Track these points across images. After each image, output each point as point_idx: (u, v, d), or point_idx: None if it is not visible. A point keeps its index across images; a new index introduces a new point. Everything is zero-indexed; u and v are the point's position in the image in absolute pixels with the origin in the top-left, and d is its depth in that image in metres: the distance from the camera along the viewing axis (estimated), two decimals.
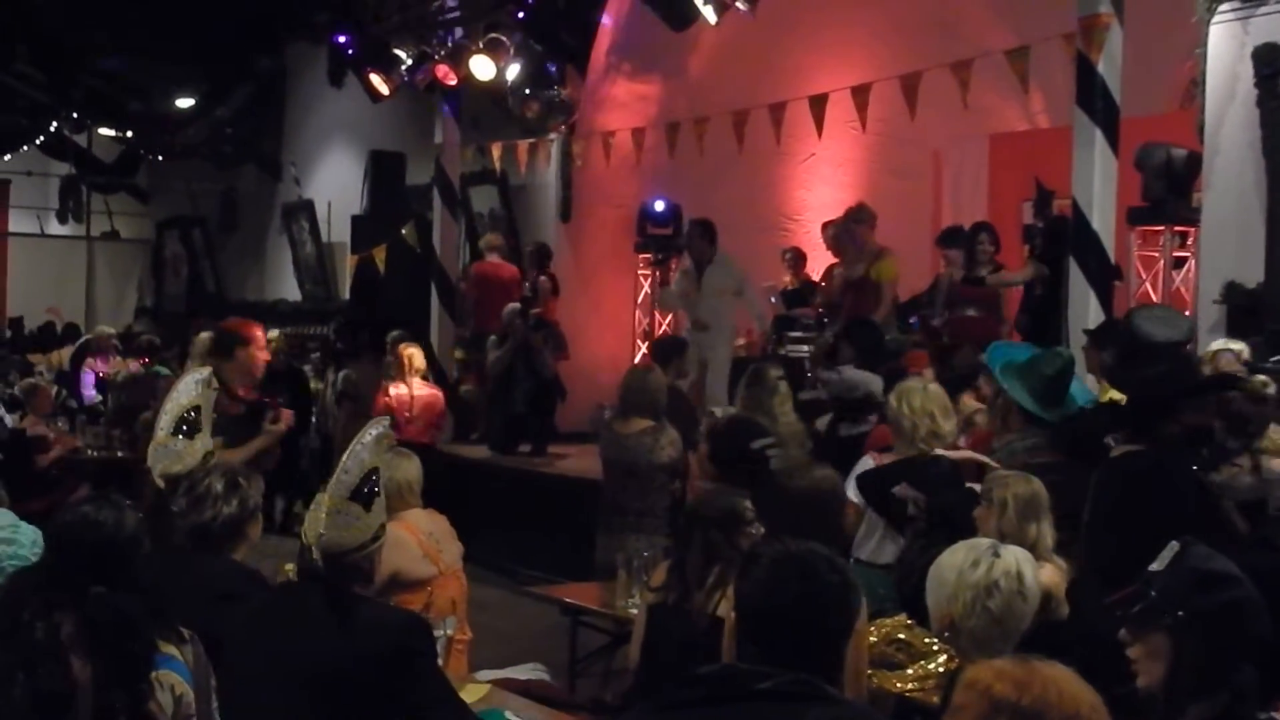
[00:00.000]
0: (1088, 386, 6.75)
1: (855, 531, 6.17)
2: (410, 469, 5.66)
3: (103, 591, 3.36)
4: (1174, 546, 3.14)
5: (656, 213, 13.95)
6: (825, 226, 12.00)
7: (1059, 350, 6.33)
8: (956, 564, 3.67)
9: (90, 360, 14.59)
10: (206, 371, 5.32)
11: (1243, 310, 8.38)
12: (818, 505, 4.96)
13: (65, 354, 17.16)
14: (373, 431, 3.77)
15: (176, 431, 4.94)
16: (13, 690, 3.24)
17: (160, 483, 4.84)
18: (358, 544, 3.66)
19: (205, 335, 14.50)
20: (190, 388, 5.10)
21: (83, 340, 16.25)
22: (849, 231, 10.53)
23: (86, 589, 3.36)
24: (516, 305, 13.18)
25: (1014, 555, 3.68)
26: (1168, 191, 9.14)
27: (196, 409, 5.03)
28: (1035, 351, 6.38)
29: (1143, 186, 9.21)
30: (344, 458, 3.71)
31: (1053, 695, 2.52)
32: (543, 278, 13.66)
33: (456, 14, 13.71)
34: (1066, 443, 5.92)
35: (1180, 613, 2.99)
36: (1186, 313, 8.57)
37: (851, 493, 6.16)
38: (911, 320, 10.49)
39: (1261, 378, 5.95)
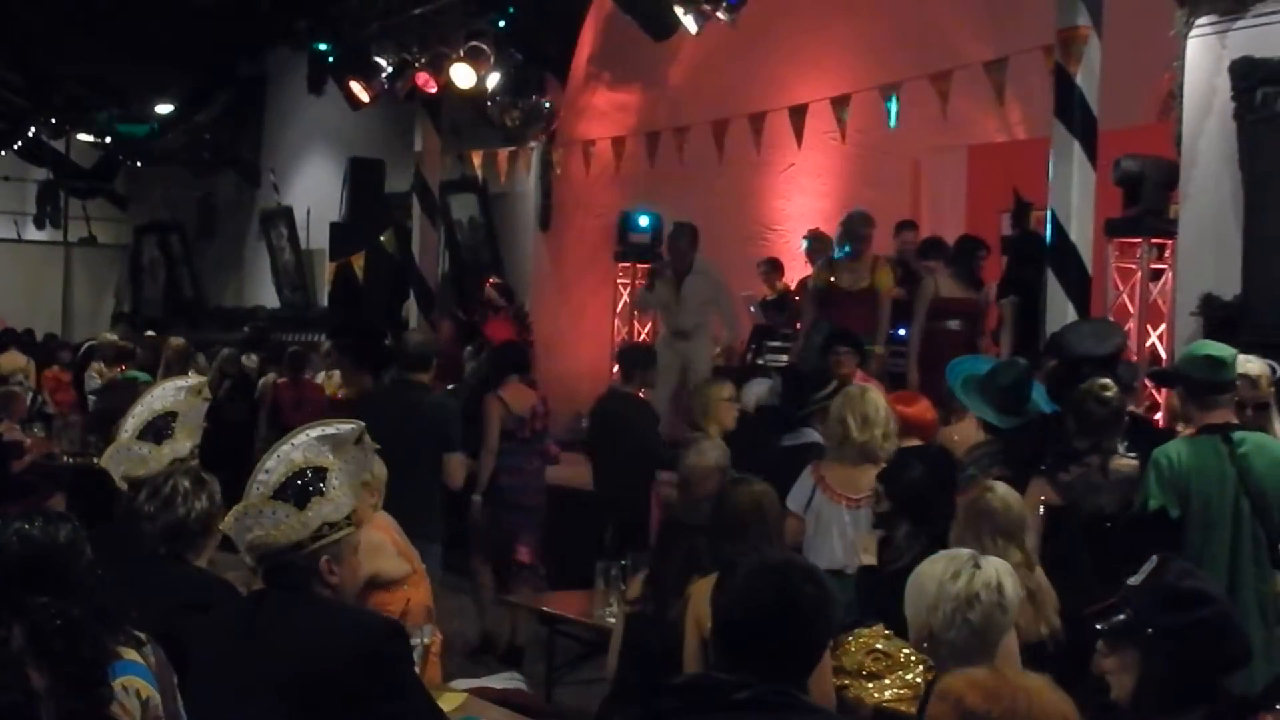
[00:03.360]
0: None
1: (797, 540, 6.23)
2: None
3: (46, 601, 3.32)
4: (1153, 561, 3.16)
5: (638, 223, 13.91)
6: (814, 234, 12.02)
7: (1014, 360, 6.45)
8: (936, 575, 3.67)
9: (96, 365, 14.61)
10: (197, 380, 5.23)
11: (1220, 322, 8.40)
12: (757, 513, 5.00)
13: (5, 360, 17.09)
14: (312, 432, 3.67)
15: (143, 435, 4.82)
16: None
17: (123, 484, 4.72)
18: (291, 542, 3.53)
19: (178, 341, 14.59)
20: (169, 394, 4.98)
21: (87, 346, 16.26)
22: (862, 240, 10.30)
23: (26, 601, 3.34)
24: None
25: (994, 567, 3.68)
26: (1155, 202, 9.14)
27: (172, 415, 4.90)
28: (994, 364, 6.54)
29: (1124, 196, 9.20)
30: (264, 458, 3.60)
31: (1023, 706, 2.53)
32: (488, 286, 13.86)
33: (437, 22, 13.69)
34: (1017, 454, 6.05)
35: (1150, 630, 3.01)
36: (1126, 326, 8.68)
37: (791, 503, 6.31)
38: (893, 331, 10.47)
39: (1104, 381, 5.97)
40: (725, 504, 5.12)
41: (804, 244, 12.09)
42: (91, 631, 3.34)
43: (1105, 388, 5.90)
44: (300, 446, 3.62)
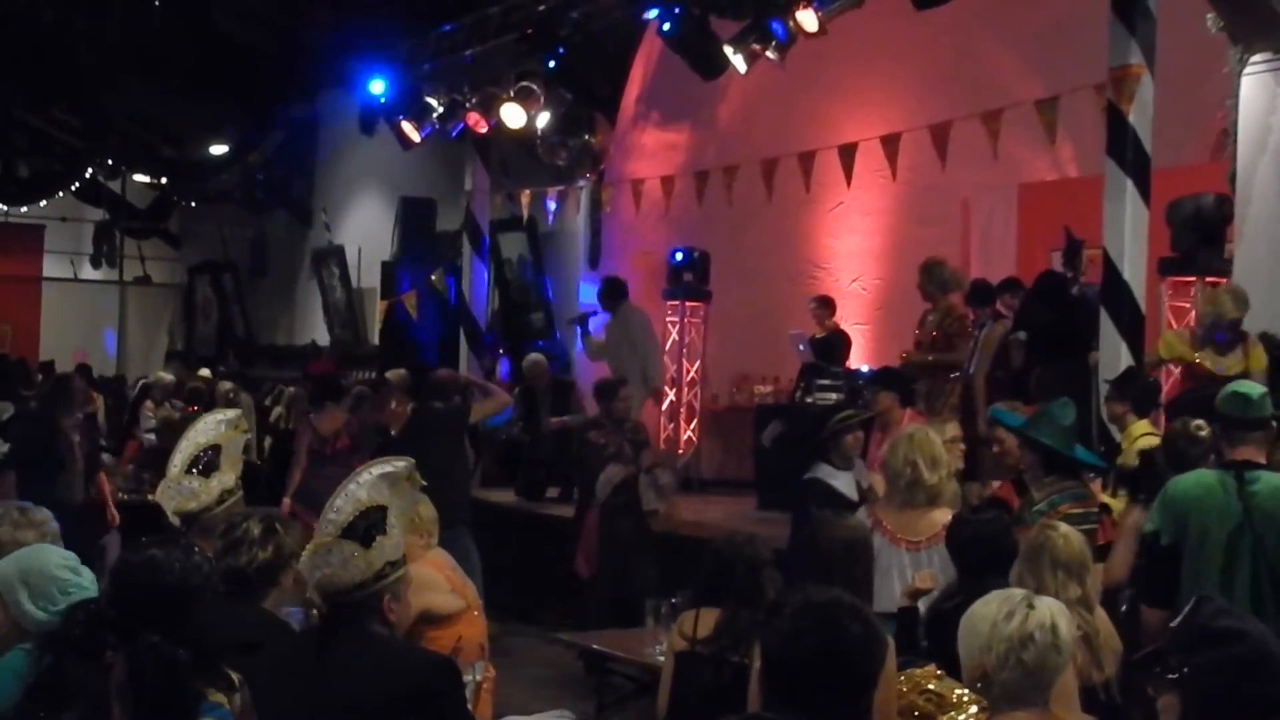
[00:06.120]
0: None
1: None
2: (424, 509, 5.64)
3: (156, 640, 3.28)
4: (1191, 602, 3.15)
5: (682, 261, 13.93)
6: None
7: (1065, 401, 6.45)
8: (990, 615, 3.63)
9: (149, 405, 14.75)
10: (234, 413, 5.26)
11: (1275, 361, 8.33)
12: (848, 555, 4.95)
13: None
14: (374, 470, 3.72)
15: (190, 469, 4.85)
16: None
17: (175, 520, 4.76)
18: (356, 582, 3.58)
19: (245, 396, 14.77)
20: (210, 427, 5.00)
21: (142, 384, 16.41)
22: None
23: (140, 634, 3.32)
24: (541, 357, 13.34)
25: (1049, 607, 3.64)
26: (1199, 241, 9.09)
27: (215, 448, 4.92)
28: (1038, 409, 6.58)
29: (1171, 238, 9.16)
30: (333, 496, 3.66)
31: None
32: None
33: (487, 62, 13.80)
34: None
35: (1185, 669, 3.00)
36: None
37: None
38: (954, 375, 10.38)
39: (1198, 422, 6.09)
40: (817, 542, 5.07)
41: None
42: (188, 676, 3.32)
43: (1199, 428, 6.01)
44: (365, 485, 3.67)
